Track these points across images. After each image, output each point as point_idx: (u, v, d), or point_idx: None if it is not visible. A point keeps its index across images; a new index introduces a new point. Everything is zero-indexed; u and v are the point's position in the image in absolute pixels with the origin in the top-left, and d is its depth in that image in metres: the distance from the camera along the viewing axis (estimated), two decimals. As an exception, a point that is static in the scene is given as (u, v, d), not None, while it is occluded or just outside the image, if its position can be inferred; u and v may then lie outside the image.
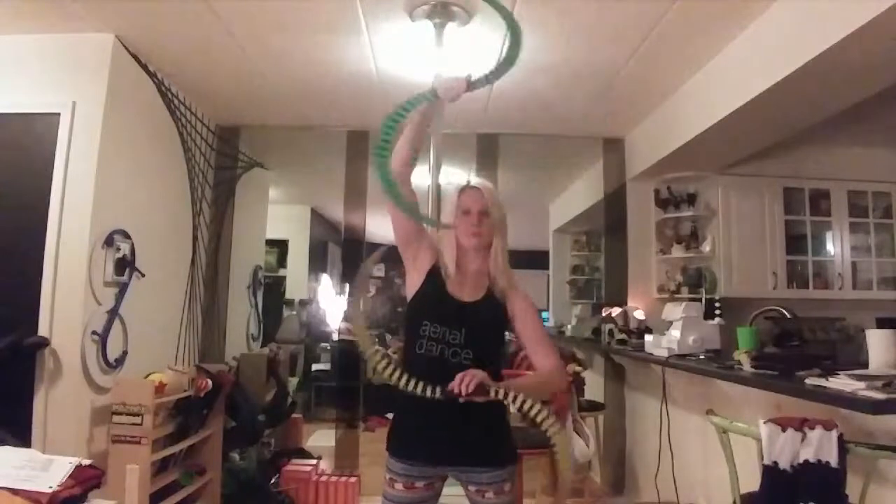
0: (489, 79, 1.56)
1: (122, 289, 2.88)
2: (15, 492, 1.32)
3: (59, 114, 2.70)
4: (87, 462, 1.47)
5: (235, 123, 4.15)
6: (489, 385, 1.46)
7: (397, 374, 1.47)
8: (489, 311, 1.71)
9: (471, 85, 1.57)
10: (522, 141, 4.28)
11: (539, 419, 1.43)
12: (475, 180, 1.80)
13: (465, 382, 1.44)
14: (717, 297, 3.81)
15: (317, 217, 7.38)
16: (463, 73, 1.58)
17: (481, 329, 1.69)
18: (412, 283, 1.74)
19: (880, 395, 1.66)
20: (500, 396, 1.45)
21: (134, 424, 2.61)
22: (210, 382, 3.07)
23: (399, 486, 1.66)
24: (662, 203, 4.26)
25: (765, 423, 1.66)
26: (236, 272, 4.34)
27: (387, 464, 1.70)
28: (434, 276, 1.72)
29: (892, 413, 1.65)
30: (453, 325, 1.66)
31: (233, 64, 3.16)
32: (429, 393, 1.45)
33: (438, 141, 2.62)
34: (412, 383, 1.46)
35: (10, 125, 2.73)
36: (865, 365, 2.10)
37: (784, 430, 1.64)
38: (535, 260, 6.79)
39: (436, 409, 1.57)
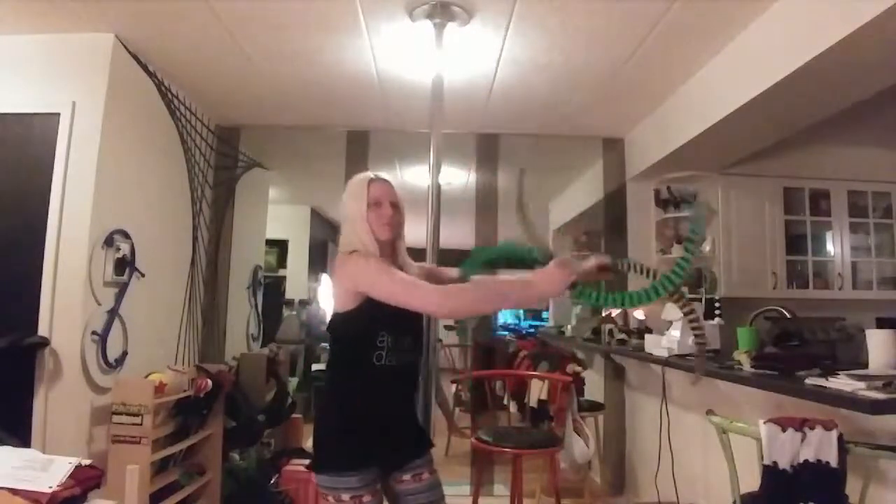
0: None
1: (122, 289, 2.88)
2: (15, 492, 1.32)
3: (59, 114, 2.70)
4: (87, 462, 1.47)
5: (235, 123, 4.15)
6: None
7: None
8: (415, 312, 1.66)
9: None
10: (522, 141, 4.28)
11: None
12: (381, 173, 1.75)
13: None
14: (717, 297, 3.81)
15: (317, 217, 7.38)
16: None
17: (419, 331, 1.71)
18: (354, 296, 1.61)
19: (880, 395, 1.66)
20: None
21: (134, 424, 2.61)
22: (210, 382, 3.07)
23: (367, 497, 1.57)
24: (662, 203, 4.26)
25: (765, 423, 1.66)
26: (236, 272, 4.33)
27: (337, 483, 1.56)
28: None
29: (892, 413, 1.64)
30: (404, 332, 1.65)
31: (233, 64, 3.16)
32: None
33: (438, 141, 2.61)
34: None
35: (10, 125, 2.74)
36: (865, 365, 2.10)
37: (784, 430, 1.64)
38: (535, 260, 6.78)
39: (395, 409, 1.66)
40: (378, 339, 1.61)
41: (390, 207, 1.68)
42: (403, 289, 1.54)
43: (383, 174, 1.75)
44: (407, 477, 1.69)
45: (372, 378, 1.62)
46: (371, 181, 1.71)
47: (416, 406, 1.78)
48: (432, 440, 1.86)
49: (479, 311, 1.54)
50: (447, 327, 8.69)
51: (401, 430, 1.70)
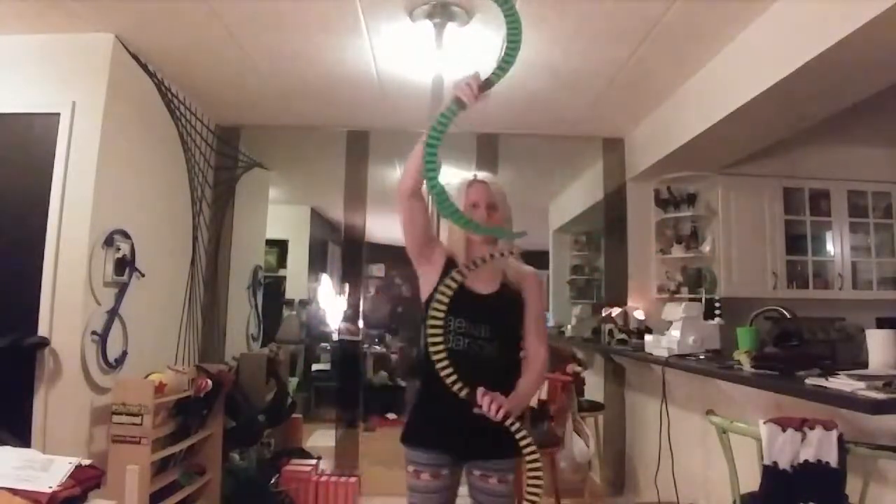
0: (498, 73, 1.51)
1: (122, 289, 2.88)
2: (15, 492, 1.32)
3: (59, 114, 2.70)
4: (87, 462, 1.47)
5: (235, 123, 4.15)
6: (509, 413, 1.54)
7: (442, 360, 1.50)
8: (508, 303, 1.78)
9: (484, 82, 1.53)
10: (522, 141, 4.27)
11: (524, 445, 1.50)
12: (481, 174, 1.86)
13: (493, 409, 1.50)
14: (717, 297, 3.81)
15: (317, 217, 7.38)
16: (471, 71, 1.56)
17: (503, 321, 1.75)
18: (429, 280, 1.76)
19: (880, 395, 1.66)
20: (508, 425, 1.51)
21: (134, 424, 2.61)
22: (210, 382, 3.08)
23: (426, 475, 1.72)
24: (662, 203, 4.26)
25: (765, 423, 1.66)
26: (236, 272, 4.33)
27: (408, 455, 1.76)
28: (451, 272, 1.72)
29: (892, 413, 1.64)
30: (479, 319, 1.71)
31: (233, 64, 3.16)
32: (462, 393, 1.51)
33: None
34: (447, 372, 1.50)
35: (10, 125, 2.73)
36: (865, 365, 2.10)
37: (784, 430, 1.64)
38: (535, 260, 6.71)
39: (462, 400, 1.62)
40: (446, 322, 1.65)
41: (486, 209, 1.77)
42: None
43: (486, 174, 1.85)
44: (476, 473, 1.75)
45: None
46: (470, 184, 1.82)
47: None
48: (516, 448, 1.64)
49: (415, 166, 1.67)
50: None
51: (472, 422, 1.59)
